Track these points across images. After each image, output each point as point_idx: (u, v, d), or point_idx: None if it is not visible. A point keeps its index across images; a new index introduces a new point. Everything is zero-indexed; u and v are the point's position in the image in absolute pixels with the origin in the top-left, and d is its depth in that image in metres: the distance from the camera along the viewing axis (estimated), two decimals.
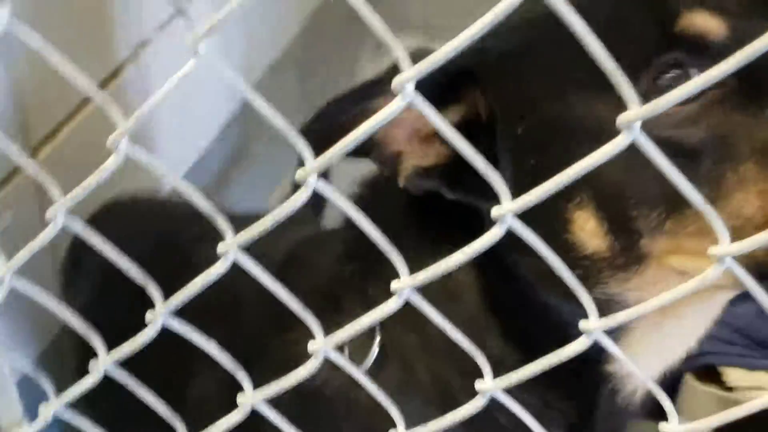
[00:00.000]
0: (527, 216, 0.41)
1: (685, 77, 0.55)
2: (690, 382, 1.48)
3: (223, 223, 0.47)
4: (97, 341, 0.58)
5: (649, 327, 0.65)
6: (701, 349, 1.47)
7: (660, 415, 0.84)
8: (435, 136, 0.60)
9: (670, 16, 0.50)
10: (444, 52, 0.38)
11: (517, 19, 0.43)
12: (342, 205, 0.45)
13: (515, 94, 0.60)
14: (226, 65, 0.40)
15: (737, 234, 0.41)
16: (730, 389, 1.45)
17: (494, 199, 0.42)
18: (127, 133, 0.44)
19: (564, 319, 0.62)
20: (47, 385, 0.63)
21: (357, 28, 0.52)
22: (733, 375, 1.45)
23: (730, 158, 0.54)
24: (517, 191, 0.42)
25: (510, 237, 0.42)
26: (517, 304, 0.67)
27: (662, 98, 0.37)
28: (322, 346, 0.51)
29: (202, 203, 0.47)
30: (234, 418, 0.57)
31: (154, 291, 0.53)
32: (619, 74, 0.36)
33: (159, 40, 1.49)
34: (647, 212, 0.55)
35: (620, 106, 0.38)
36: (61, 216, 0.48)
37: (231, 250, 0.47)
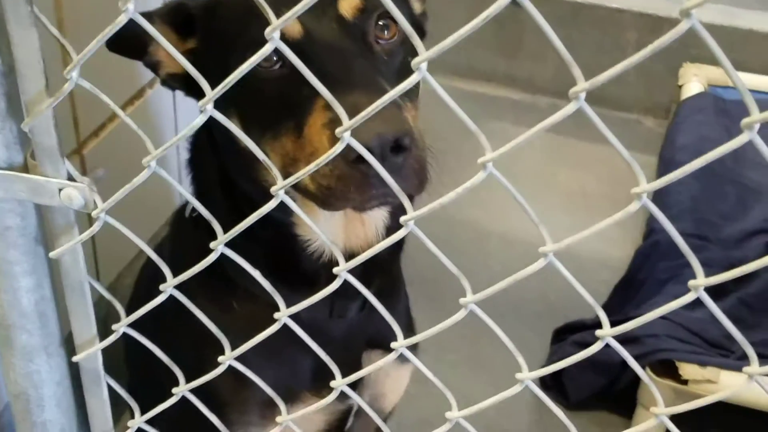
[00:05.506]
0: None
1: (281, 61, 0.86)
2: (649, 374, 1.61)
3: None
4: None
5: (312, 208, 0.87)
6: (660, 346, 1.62)
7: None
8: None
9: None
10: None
11: None
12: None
13: (209, 32, 0.94)
14: None
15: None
16: (685, 382, 1.59)
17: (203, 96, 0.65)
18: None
19: (255, 194, 0.92)
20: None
21: None
22: (688, 369, 1.59)
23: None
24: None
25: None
26: (230, 182, 0.99)
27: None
28: None
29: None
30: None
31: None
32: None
33: None
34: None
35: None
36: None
37: None
